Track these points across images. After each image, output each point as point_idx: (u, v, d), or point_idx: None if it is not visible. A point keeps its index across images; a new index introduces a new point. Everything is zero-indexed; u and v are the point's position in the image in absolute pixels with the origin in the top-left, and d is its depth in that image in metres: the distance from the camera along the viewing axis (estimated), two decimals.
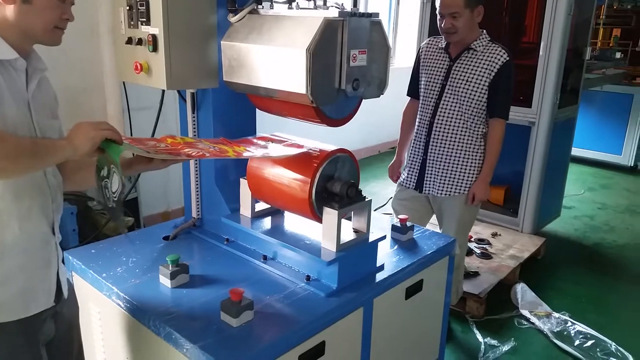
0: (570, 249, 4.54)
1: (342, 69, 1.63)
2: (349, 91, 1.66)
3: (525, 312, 3.37)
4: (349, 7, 1.71)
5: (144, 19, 1.80)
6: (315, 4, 1.70)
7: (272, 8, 1.82)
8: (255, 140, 1.87)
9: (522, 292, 3.53)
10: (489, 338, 3.13)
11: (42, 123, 1.47)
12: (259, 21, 1.76)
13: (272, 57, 1.66)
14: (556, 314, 3.37)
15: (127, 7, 1.85)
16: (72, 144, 1.34)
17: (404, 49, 7.47)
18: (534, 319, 3.31)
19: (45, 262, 1.52)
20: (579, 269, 4.15)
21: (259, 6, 1.81)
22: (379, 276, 1.87)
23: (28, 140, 1.33)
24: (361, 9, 1.70)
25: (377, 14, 1.69)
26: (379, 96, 1.81)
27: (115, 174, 1.38)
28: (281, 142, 1.85)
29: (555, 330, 3.22)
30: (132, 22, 1.86)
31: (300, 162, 1.74)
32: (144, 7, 1.79)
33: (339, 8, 1.67)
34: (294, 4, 1.77)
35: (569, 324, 3.29)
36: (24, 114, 1.41)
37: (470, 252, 3.82)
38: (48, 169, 1.50)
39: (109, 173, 1.40)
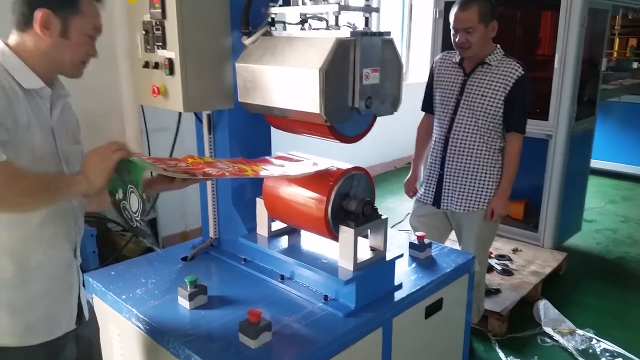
0: (593, 264, 4.45)
1: (355, 87, 1.63)
2: (362, 109, 1.66)
3: (548, 330, 3.30)
4: (361, 25, 1.72)
5: (160, 43, 1.84)
6: (327, 25, 1.71)
7: (285, 30, 1.84)
8: (272, 160, 1.88)
9: (545, 308, 3.46)
10: (512, 357, 3.06)
11: (65, 149, 1.49)
12: (272, 43, 1.78)
13: (286, 78, 1.68)
14: (580, 331, 3.29)
15: (144, 32, 1.89)
16: (87, 179, 1.35)
17: (417, 65, 7.48)
18: (557, 337, 3.24)
19: (68, 287, 1.54)
20: (603, 283, 4.06)
21: (272, 28, 1.84)
22: (398, 295, 1.85)
23: (46, 177, 1.34)
24: (373, 26, 1.71)
25: (388, 33, 1.70)
26: (392, 113, 1.81)
27: (134, 194, 1.39)
28: (298, 162, 1.86)
29: (580, 348, 3.14)
30: (148, 47, 1.89)
31: (315, 180, 1.75)
32: (160, 32, 1.82)
33: (351, 28, 1.68)
34: (306, 25, 1.79)
35: (594, 341, 3.21)
36: (49, 142, 1.44)
37: (490, 268, 3.77)
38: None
39: (126, 194, 1.41)
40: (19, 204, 1.29)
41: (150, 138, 3.62)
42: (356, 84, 1.63)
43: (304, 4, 1.81)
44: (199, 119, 2.12)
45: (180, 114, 2.03)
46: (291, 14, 1.85)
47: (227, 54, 1.93)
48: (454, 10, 2.65)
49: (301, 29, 1.79)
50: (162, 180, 1.60)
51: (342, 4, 1.67)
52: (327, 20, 1.72)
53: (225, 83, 1.94)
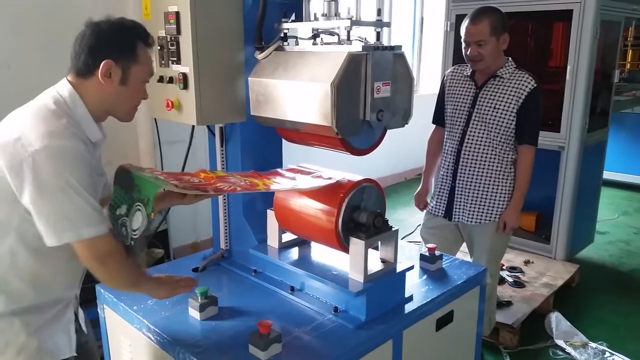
0: (606, 276, 4.40)
1: (366, 100, 1.65)
2: (373, 122, 1.68)
3: (560, 342, 3.27)
4: (372, 39, 1.74)
5: (175, 58, 1.87)
6: (339, 39, 1.73)
7: (298, 44, 1.87)
8: (283, 173, 1.89)
9: (557, 321, 3.43)
10: None
11: (95, 181, 1.52)
12: (284, 57, 1.80)
13: (298, 92, 1.70)
14: (593, 344, 3.25)
15: (159, 47, 1.93)
16: (156, 291, 1.61)
17: (429, 77, 7.50)
18: (569, 349, 3.20)
19: (69, 318, 1.63)
20: (616, 296, 4.02)
21: (285, 43, 1.86)
22: (408, 307, 1.85)
23: (138, 272, 1.54)
24: (384, 39, 1.72)
25: (399, 47, 1.71)
26: (403, 126, 1.83)
27: (140, 212, 1.40)
28: (309, 174, 1.87)
29: None
30: (163, 62, 1.93)
31: (326, 192, 1.76)
32: (174, 47, 1.86)
33: (362, 42, 1.70)
34: (318, 40, 1.81)
35: (607, 354, 3.17)
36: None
37: (502, 280, 3.74)
38: None
39: (129, 211, 1.42)
40: (119, 286, 1.58)
41: (163, 150, 3.65)
42: (367, 97, 1.64)
43: (316, 19, 1.83)
44: (211, 132, 2.15)
45: (193, 127, 2.06)
46: (303, 29, 1.88)
47: (240, 69, 1.96)
48: (465, 24, 2.66)
49: (313, 44, 1.81)
50: (174, 195, 1.64)
51: (354, 19, 1.69)
52: (338, 35, 1.74)
53: (238, 97, 1.97)
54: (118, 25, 1.50)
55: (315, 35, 1.82)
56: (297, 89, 1.70)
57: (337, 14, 1.79)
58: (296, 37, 1.88)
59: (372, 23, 1.73)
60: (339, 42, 1.72)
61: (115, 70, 1.47)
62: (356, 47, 1.63)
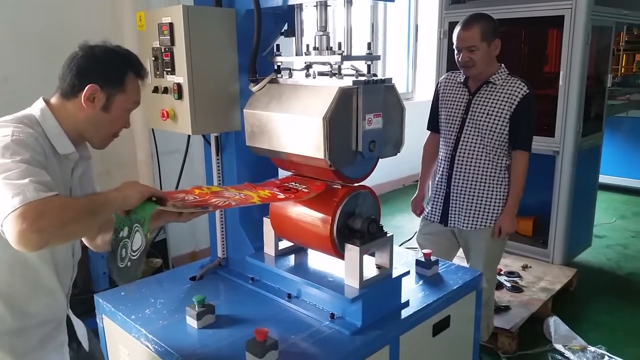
0: (604, 280, 4.41)
1: (358, 132, 1.66)
2: (365, 152, 1.69)
3: (559, 347, 3.27)
4: (364, 69, 1.76)
5: (169, 69, 1.89)
6: (331, 71, 1.75)
7: (291, 77, 1.89)
8: (278, 183, 1.91)
9: (555, 325, 3.43)
10: None
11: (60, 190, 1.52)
12: (278, 90, 1.83)
13: (292, 125, 1.72)
14: (592, 348, 3.26)
15: (153, 58, 1.95)
16: (122, 194, 1.36)
17: (424, 83, 7.54)
18: (568, 354, 3.20)
19: (62, 340, 1.61)
20: (614, 300, 4.02)
21: (278, 75, 1.89)
22: (405, 313, 1.86)
23: (88, 200, 1.34)
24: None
25: (390, 79, 1.74)
26: (395, 154, 1.84)
27: (139, 233, 1.40)
28: (302, 183, 1.89)
29: None
30: (157, 72, 1.95)
31: (320, 199, 1.77)
32: (169, 58, 1.88)
33: (354, 72, 1.73)
34: (311, 71, 1.83)
35: (606, 358, 3.17)
36: None
37: (500, 285, 3.75)
38: (76, 248, 1.61)
39: (130, 232, 1.42)
40: (71, 232, 1.30)
41: (161, 160, 3.68)
42: (359, 129, 1.66)
43: (307, 52, 1.86)
44: (207, 141, 2.17)
45: (189, 136, 2.08)
46: (297, 61, 1.90)
47: (234, 77, 1.98)
48: (456, 30, 2.69)
49: (306, 76, 1.84)
50: (170, 213, 1.60)
51: (344, 54, 1.71)
52: (331, 65, 1.76)
53: (232, 106, 1.99)
54: (112, 52, 1.50)
55: (308, 66, 1.85)
56: (291, 121, 1.72)
57: (329, 48, 1.81)
58: (289, 69, 1.90)
59: (363, 57, 1.75)
60: (332, 73, 1.74)
61: (100, 96, 1.46)
62: (347, 81, 1.65)
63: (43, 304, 1.52)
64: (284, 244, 2.05)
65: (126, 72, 1.50)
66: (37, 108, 1.48)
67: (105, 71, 1.47)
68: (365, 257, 1.75)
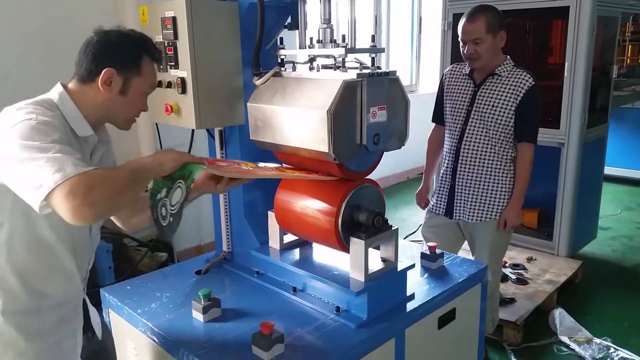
0: (609, 271, 4.40)
1: (362, 125, 1.66)
2: (370, 146, 1.68)
3: (564, 338, 3.27)
4: (368, 61, 1.74)
5: (173, 63, 1.89)
6: (335, 64, 1.74)
7: (295, 70, 1.88)
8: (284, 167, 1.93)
9: (561, 317, 3.44)
10: None
11: None
12: (282, 84, 1.81)
13: (296, 118, 1.71)
14: (597, 340, 3.26)
15: None
16: (157, 161, 1.39)
17: (428, 75, 7.51)
18: (574, 345, 3.21)
19: (76, 325, 1.63)
20: (620, 291, 4.02)
21: (282, 68, 1.88)
22: (410, 306, 1.86)
23: (124, 170, 1.32)
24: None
25: (394, 72, 1.72)
26: (400, 148, 1.83)
27: (180, 188, 1.43)
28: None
29: (597, 357, 3.11)
30: (161, 67, 1.94)
31: (325, 193, 1.77)
32: (172, 52, 1.88)
33: (358, 64, 1.72)
34: (314, 64, 1.82)
35: (612, 349, 3.17)
36: None
37: (505, 278, 3.75)
38: (93, 230, 1.62)
39: (169, 192, 1.45)
40: (119, 202, 1.31)
41: None
42: (363, 122, 1.65)
43: (311, 45, 1.85)
44: (211, 135, 2.17)
45: (193, 131, 2.08)
46: (300, 54, 1.89)
47: (238, 70, 1.97)
48: (461, 22, 2.67)
49: (310, 69, 1.83)
50: (207, 183, 1.66)
51: (348, 47, 1.70)
52: (335, 58, 1.75)
53: (236, 100, 1.99)
54: (126, 36, 1.51)
55: (311, 59, 1.83)
56: (294, 115, 1.71)
57: (332, 40, 1.80)
58: (293, 62, 1.89)
59: (367, 50, 1.73)
60: (336, 66, 1.73)
61: (116, 80, 1.48)
62: (351, 74, 1.64)
63: (59, 285, 1.54)
64: (289, 237, 2.05)
65: (141, 55, 1.51)
66: (55, 92, 1.49)
67: (121, 55, 1.48)
68: (370, 251, 1.74)
